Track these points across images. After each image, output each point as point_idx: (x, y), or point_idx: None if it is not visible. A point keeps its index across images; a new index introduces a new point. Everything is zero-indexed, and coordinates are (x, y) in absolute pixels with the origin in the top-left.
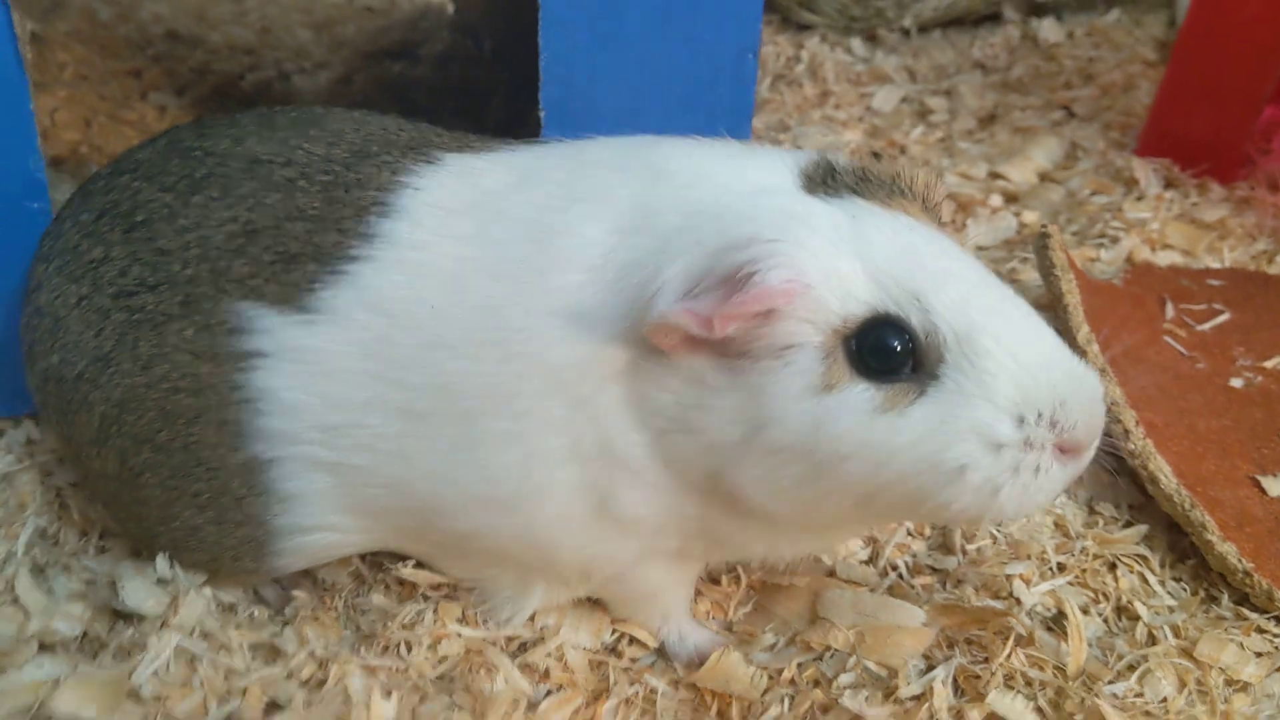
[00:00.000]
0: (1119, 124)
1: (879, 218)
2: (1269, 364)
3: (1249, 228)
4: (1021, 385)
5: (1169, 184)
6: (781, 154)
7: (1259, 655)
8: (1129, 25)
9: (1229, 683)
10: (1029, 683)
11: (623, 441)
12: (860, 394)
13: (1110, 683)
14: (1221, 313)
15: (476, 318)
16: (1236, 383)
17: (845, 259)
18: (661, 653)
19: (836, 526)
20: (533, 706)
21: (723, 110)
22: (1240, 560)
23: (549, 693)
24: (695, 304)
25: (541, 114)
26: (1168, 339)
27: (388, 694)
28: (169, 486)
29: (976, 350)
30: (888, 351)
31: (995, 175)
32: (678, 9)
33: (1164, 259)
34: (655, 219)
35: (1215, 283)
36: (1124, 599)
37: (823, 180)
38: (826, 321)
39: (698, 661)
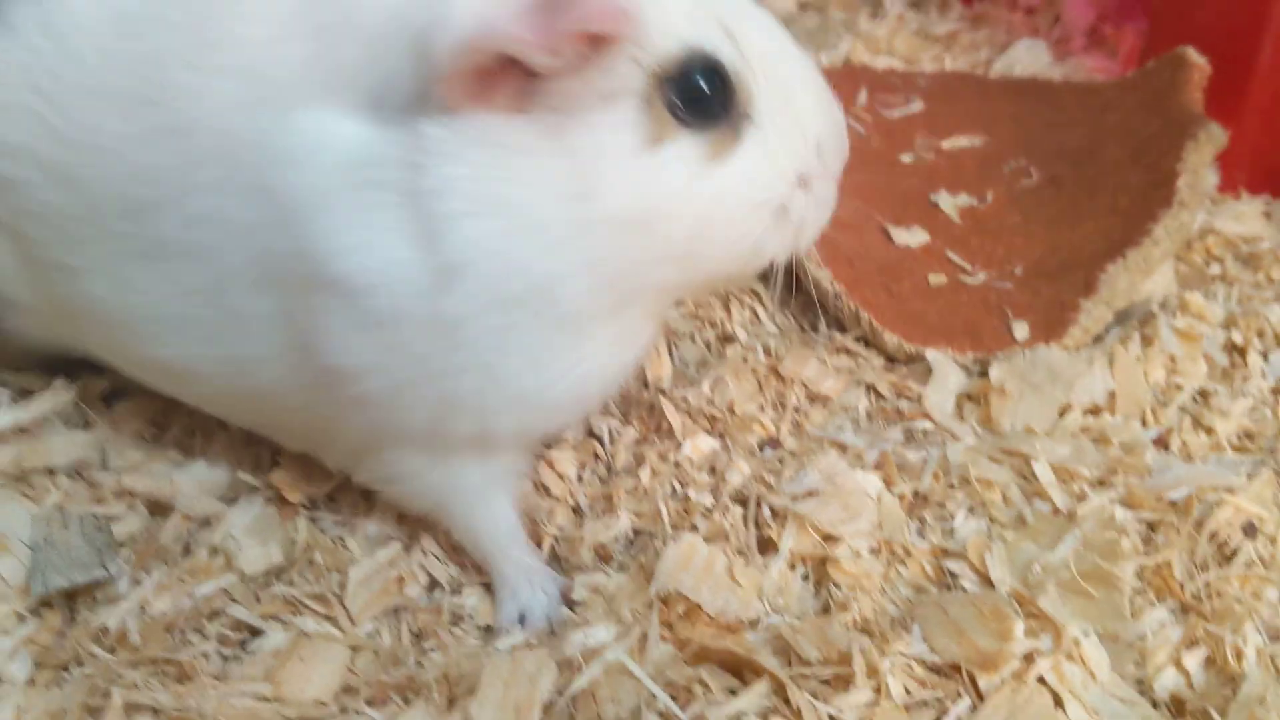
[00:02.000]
0: None
1: None
2: (945, 144)
3: (978, 41)
4: (818, 121)
5: (914, 5)
6: None
7: (840, 371)
8: None
9: (810, 397)
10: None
11: (331, 255)
12: (686, 145)
13: (682, 388)
14: (915, 104)
15: (141, 69)
16: (906, 158)
17: None
18: None
19: (643, 311)
20: None
21: None
22: (833, 284)
23: None
24: (525, 18)
25: None
26: (849, 120)
27: None
28: None
29: (786, 90)
30: (708, 95)
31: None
32: None
33: (884, 64)
34: None
35: (923, 83)
36: (730, 328)
37: None
38: (650, 60)
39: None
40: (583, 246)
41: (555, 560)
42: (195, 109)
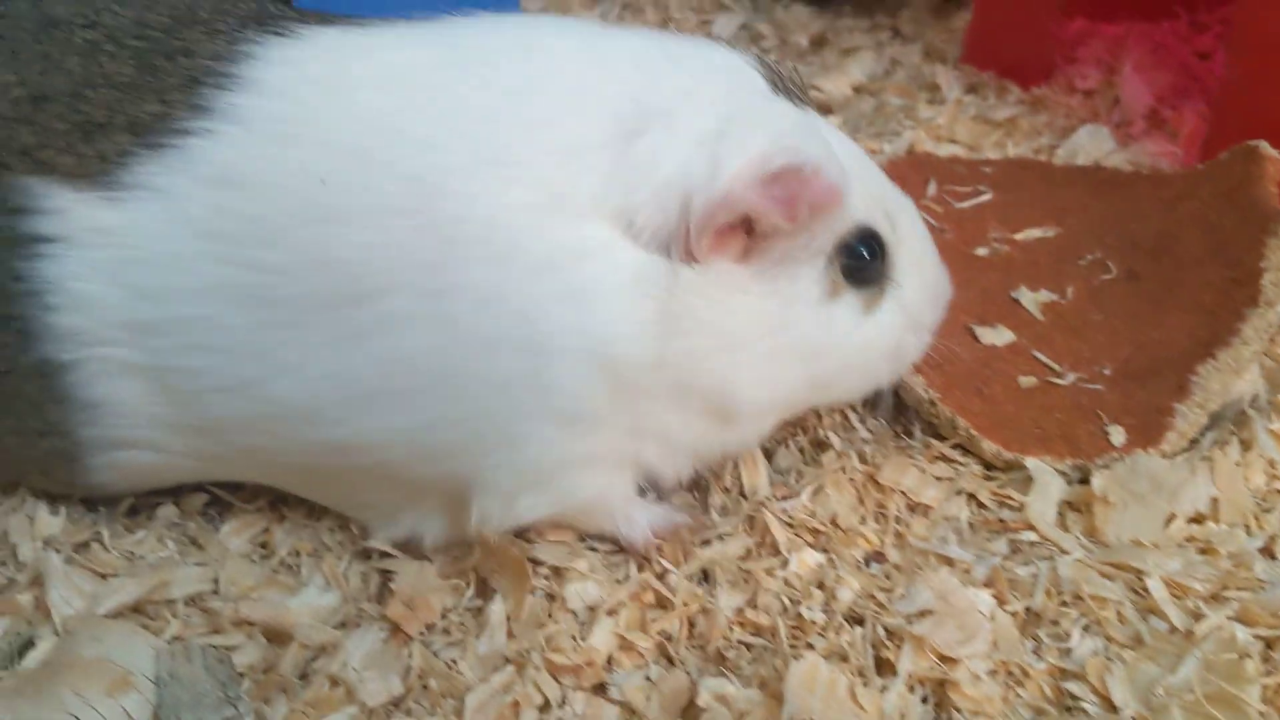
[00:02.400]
0: (943, 42)
1: (823, 125)
2: (1019, 235)
3: (1039, 126)
4: (936, 283)
5: (971, 90)
6: (737, 55)
7: (939, 480)
8: None
9: (910, 506)
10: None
11: (607, 339)
12: (851, 299)
13: (783, 499)
14: (985, 194)
15: (396, 187)
16: (981, 251)
17: (846, 170)
18: (619, 550)
19: (784, 414)
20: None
21: None
22: (927, 390)
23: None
24: (768, 190)
25: None
26: (922, 213)
27: None
28: None
29: (918, 259)
30: (870, 261)
31: (812, 88)
32: None
33: (947, 152)
34: (675, 121)
35: (988, 170)
36: (822, 433)
37: (773, 83)
38: (839, 230)
39: (655, 540)
40: (763, 366)
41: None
42: (464, 208)
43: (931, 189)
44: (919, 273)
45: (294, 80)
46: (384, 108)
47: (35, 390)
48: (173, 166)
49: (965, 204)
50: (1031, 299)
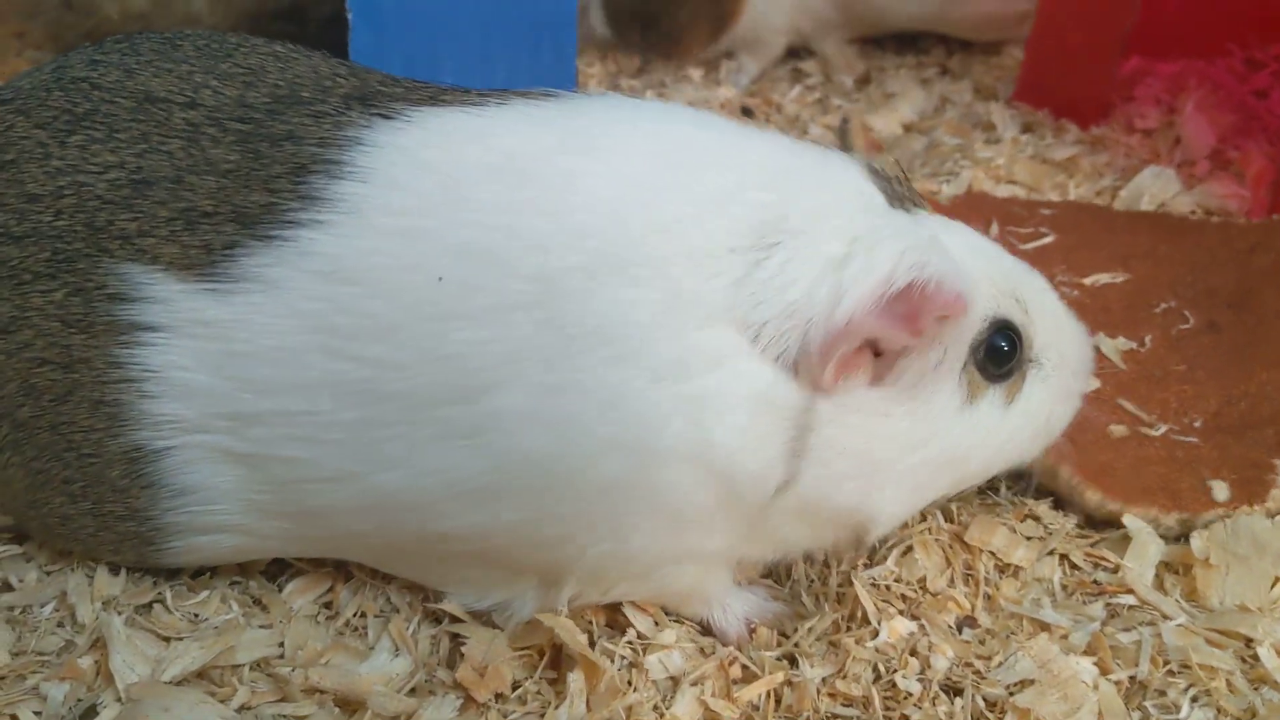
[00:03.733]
0: (993, 79)
1: (940, 225)
2: (1087, 280)
3: (1099, 166)
4: (1078, 353)
5: (1027, 129)
6: (855, 165)
7: (1029, 539)
8: None
9: (999, 568)
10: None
11: (728, 450)
12: (993, 397)
13: (868, 566)
14: (1046, 236)
15: (513, 285)
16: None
17: (969, 272)
18: (707, 632)
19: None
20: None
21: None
22: None
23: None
24: (889, 311)
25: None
26: None
27: None
28: (34, 470)
29: (1057, 335)
30: (1008, 354)
31: (862, 127)
32: None
33: (1005, 192)
34: (806, 241)
35: (1047, 212)
36: None
37: (886, 192)
38: (971, 332)
39: (749, 632)
40: (905, 483)
41: None
42: (581, 305)
43: (994, 230)
44: (1059, 344)
45: (407, 169)
46: (498, 202)
47: (121, 475)
48: (282, 259)
49: (1028, 245)
50: (1111, 346)
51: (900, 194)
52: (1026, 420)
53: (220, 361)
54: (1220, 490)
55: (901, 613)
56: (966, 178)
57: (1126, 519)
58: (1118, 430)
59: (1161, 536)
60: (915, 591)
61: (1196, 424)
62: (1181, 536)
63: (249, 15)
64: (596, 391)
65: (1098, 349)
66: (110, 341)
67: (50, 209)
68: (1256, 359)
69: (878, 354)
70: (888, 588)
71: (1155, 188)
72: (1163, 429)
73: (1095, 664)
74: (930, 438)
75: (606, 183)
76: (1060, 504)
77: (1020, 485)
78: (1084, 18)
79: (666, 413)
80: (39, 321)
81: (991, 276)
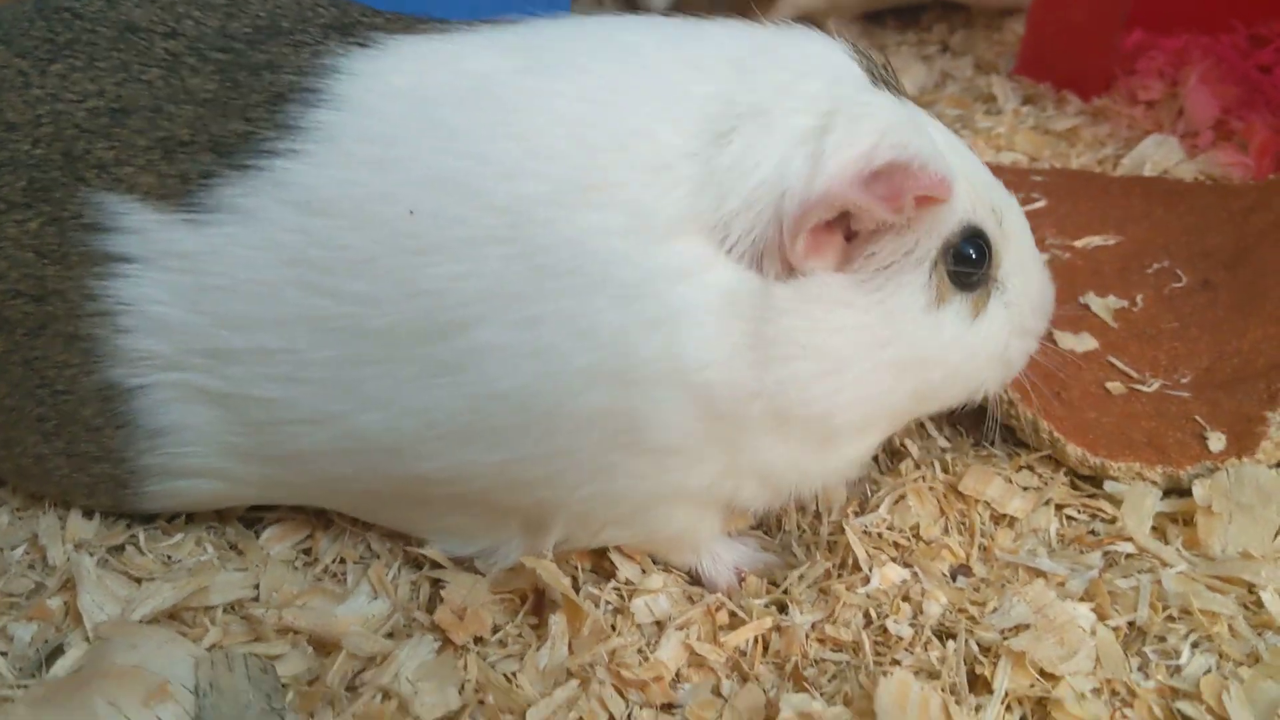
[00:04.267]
0: (994, 55)
1: (926, 118)
2: (1078, 243)
3: (1101, 136)
4: (1040, 288)
5: (1028, 100)
6: (835, 44)
7: (1025, 490)
8: None
9: (995, 518)
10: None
11: (699, 365)
12: (960, 304)
13: (859, 514)
14: (1038, 201)
15: (484, 218)
16: (1042, 257)
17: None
18: (696, 582)
19: (887, 432)
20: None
21: None
22: (1007, 392)
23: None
24: (871, 186)
25: None
26: None
27: None
28: (7, 407)
29: (1023, 262)
30: (977, 262)
31: None
32: None
33: (1007, 160)
34: (772, 119)
35: (1039, 178)
36: (897, 440)
37: (871, 74)
38: (945, 230)
39: (739, 581)
40: (868, 384)
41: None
42: (549, 235)
43: None
44: (1025, 274)
45: (381, 95)
46: (468, 127)
47: (95, 414)
48: (258, 189)
49: None
50: (1101, 305)
51: (885, 80)
52: (987, 342)
53: (196, 295)
54: (1216, 441)
55: (894, 560)
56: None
57: (1119, 467)
58: (1111, 386)
59: (1155, 486)
60: (908, 539)
61: (1185, 380)
62: (1174, 489)
63: None
64: (569, 322)
65: (1087, 308)
66: (85, 273)
67: (28, 137)
68: (1251, 315)
69: (848, 238)
70: (880, 535)
71: (1158, 155)
72: (1155, 385)
73: (1093, 610)
74: (894, 337)
75: (568, 101)
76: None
77: (983, 431)
78: None
79: (637, 337)
80: (13, 252)
81: (972, 182)
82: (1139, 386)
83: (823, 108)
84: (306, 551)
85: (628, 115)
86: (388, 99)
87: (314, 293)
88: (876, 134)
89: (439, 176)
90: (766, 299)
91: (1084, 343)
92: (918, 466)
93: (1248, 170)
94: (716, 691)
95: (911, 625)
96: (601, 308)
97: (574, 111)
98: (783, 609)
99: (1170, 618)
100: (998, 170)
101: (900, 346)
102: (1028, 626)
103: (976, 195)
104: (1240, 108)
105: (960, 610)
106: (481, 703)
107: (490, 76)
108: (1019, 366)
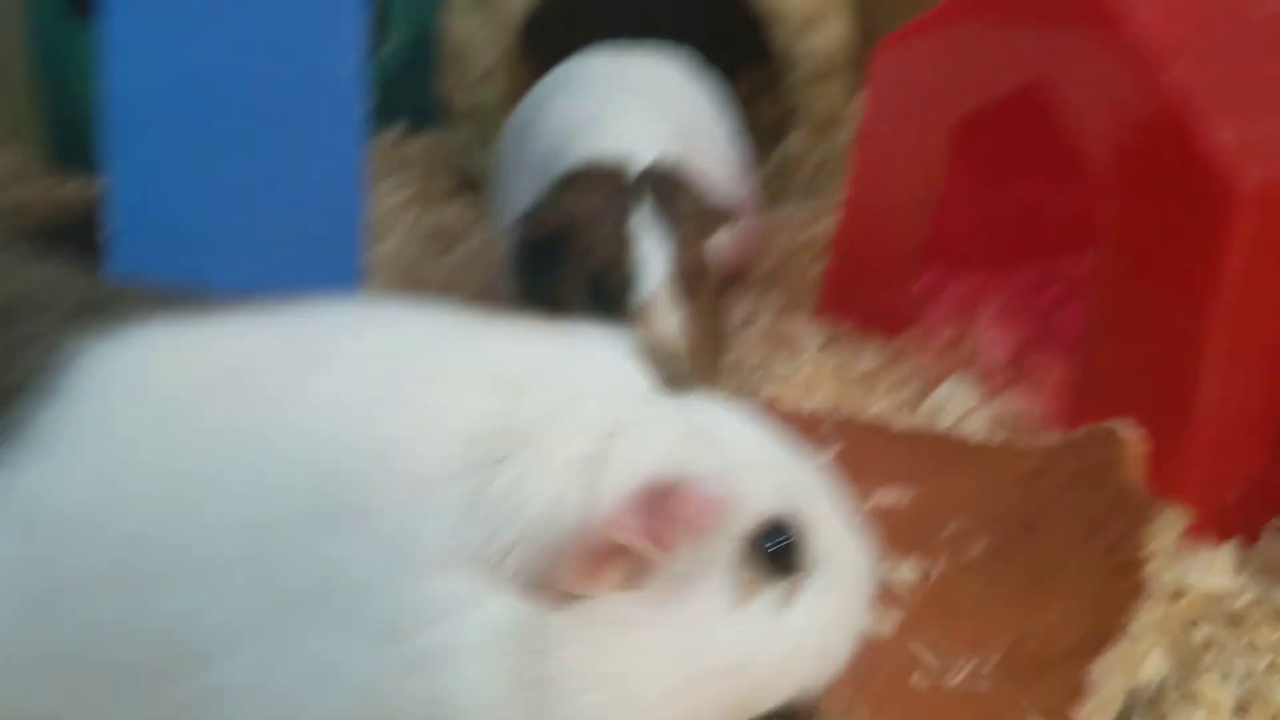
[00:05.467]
0: (798, 295)
1: (708, 411)
2: (870, 501)
3: (903, 376)
4: (859, 567)
5: (830, 342)
6: (614, 347)
7: None
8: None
9: None
10: None
11: (464, 712)
12: (770, 595)
13: None
14: (832, 451)
15: (225, 540)
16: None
17: (741, 466)
18: None
19: None
20: None
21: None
22: None
23: None
24: (640, 520)
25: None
26: None
27: None
28: None
29: (838, 543)
30: (783, 553)
31: None
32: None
33: (807, 407)
34: (546, 445)
35: (827, 430)
36: None
37: (664, 371)
38: (740, 530)
39: None
40: (671, 704)
41: None
42: (297, 562)
43: None
44: (839, 556)
45: (112, 395)
46: (210, 432)
47: None
48: None
49: None
50: (897, 576)
51: (672, 375)
52: (803, 634)
53: None
54: None
55: None
56: (764, 396)
57: None
58: (912, 680)
59: None
60: None
61: (989, 666)
62: None
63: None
64: (316, 660)
65: (885, 581)
66: None
67: None
68: (1050, 590)
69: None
70: None
71: (954, 401)
72: (960, 673)
73: None
74: (697, 648)
75: (323, 407)
76: None
77: None
78: (878, 232)
79: (394, 681)
80: None
81: (770, 467)
82: (938, 679)
83: (600, 430)
84: None
85: (390, 427)
86: (122, 403)
87: (34, 620)
88: (654, 460)
89: (173, 492)
90: (545, 630)
91: (886, 620)
92: None
93: (1045, 412)
94: None
95: None
96: (354, 648)
97: (330, 420)
98: None
99: None
100: (797, 419)
101: (705, 657)
102: None
103: (777, 482)
104: (1034, 346)
105: None
106: None
107: (243, 372)
108: (845, 657)
